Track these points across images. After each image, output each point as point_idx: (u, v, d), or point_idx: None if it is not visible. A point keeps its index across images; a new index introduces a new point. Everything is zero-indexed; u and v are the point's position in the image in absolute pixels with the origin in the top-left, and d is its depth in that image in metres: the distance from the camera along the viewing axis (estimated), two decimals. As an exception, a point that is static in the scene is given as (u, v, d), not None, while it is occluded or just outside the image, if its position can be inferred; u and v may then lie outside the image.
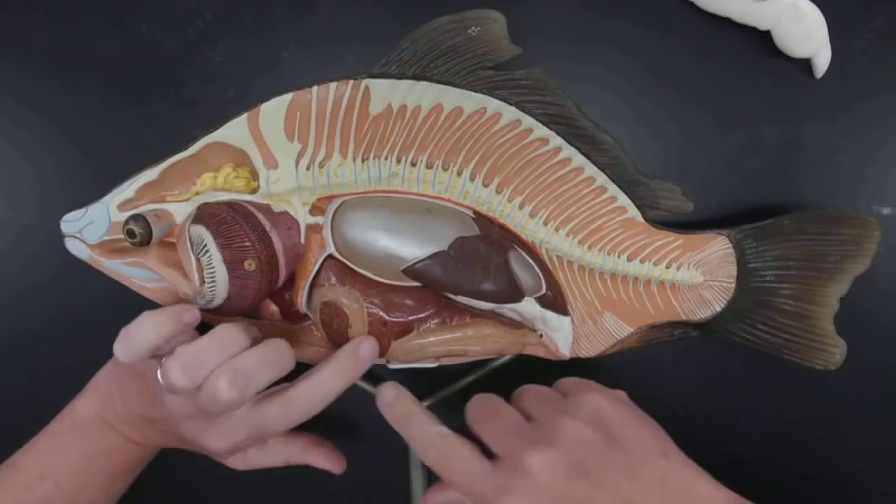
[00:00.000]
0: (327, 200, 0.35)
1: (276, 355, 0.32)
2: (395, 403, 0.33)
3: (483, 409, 0.32)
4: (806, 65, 0.37)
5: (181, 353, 0.31)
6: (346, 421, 0.40)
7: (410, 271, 0.34)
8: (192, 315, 0.32)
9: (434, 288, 0.35)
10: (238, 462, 0.37)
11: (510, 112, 0.34)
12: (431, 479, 0.41)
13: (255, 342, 0.33)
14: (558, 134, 0.34)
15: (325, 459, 0.39)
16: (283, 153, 0.35)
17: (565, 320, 0.36)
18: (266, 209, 0.35)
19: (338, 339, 0.36)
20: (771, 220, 0.36)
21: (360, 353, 0.34)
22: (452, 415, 0.41)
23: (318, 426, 0.40)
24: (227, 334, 0.32)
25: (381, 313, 0.35)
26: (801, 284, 0.36)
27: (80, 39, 0.38)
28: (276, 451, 0.38)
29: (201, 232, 0.34)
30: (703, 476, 0.30)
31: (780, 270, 0.36)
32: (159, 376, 0.31)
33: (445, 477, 0.30)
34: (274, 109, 0.34)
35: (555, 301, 0.36)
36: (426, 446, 0.31)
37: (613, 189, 0.35)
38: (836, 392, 0.40)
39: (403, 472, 0.41)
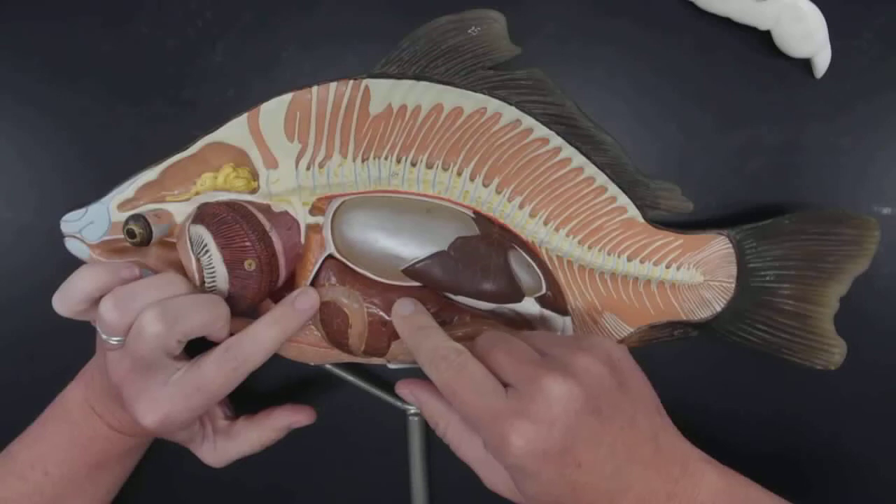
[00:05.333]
0: (327, 200, 0.35)
1: (210, 302, 0.32)
2: (411, 316, 0.33)
3: (494, 342, 0.30)
4: (806, 65, 0.37)
5: (117, 289, 0.31)
6: (346, 421, 0.40)
7: (410, 271, 0.34)
8: (131, 271, 0.32)
9: (434, 288, 0.35)
10: (210, 455, 0.36)
11: (510, 112, 0.34)
12: (431, 479, 0.41)
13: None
14: (558, 134, 0.34)
15: (291, 414, 0.37)
16: (283, 153, 0.35)
17: (565, 320, 0.36)
18: (266, 209, 0.35)
19: (338, 339, 0.36)
20: (771, 220, 0.36)
21: (298, 304, 0.34)
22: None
23: (319, 426, 0.40)
24: (165, 278, 0.32)
25: (381, 313, 0.35)
26: (801, 284, 0.36)
27: (80, 39, 0.38)
28: (245, 435, 0.37)
29: (201, 232, 0.34)
30: (684, 440, 0.31)
31: (780, 270, 0.36)
32: (97, 322, 0.31)
33: (454, 393, 0.29)
34: (274, 109, 0.34)
35: (555, 301, 0.36)
36: (437, 359, 0.30)
37: (613, 189, 0.35)
38: (836, 392, 0.40)
39: (403, 473, 0.41)
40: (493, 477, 0.32)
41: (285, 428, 0.37)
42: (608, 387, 0.29)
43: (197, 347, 0.33)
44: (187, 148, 0.35)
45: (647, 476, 0.29)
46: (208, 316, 0.32)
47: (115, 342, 0.32)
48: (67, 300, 0.32)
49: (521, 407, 0.27)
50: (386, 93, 0.34)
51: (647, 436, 0.29)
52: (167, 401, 0.32)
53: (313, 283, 0.36)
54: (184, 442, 0.36)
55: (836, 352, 0.36)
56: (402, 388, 0.34)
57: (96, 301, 0.32)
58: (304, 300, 0.34)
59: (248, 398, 0.39)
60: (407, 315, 0.33)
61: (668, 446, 0.30)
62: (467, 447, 0.32)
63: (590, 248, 0.36)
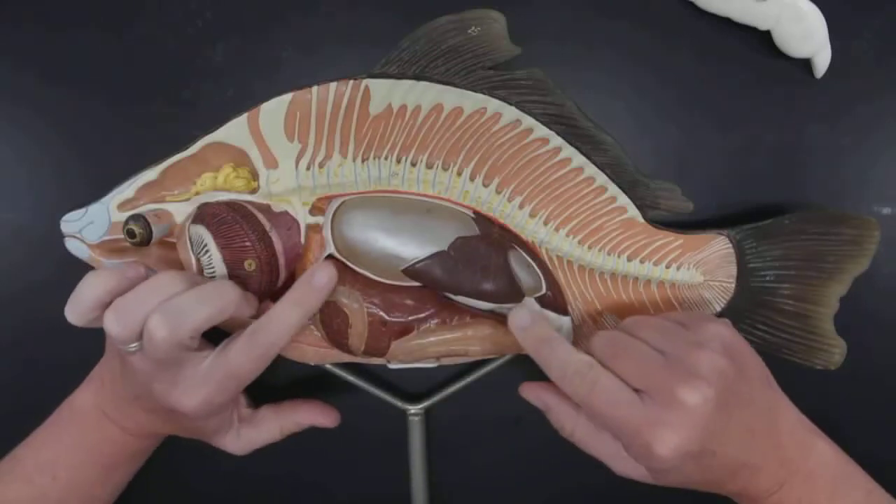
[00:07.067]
0: (327, 200, 0.35)
1: (215, 290, 0.32)
2: (531, 328, 0.33)
3: (614, 346, 0.31)
4: (806, 65, 0.37)
5: (116, 302, 0.31)
6: (346, 421, 0.40)
7: (410, 271, 0.34)
8: (137, 271, 0.32)
9: (434, 288, 0.35)
10: (234, 443, 0.37)
11: (510, 112, 0.34)
12: (432, 479, 0.41)
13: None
14: (558, 134, 0.34)
15: (317, 415, 0.38)
16: (283, 153, 0.35)
17: (565, 320, 0.36)
18: (266, 209, 0.35)
19: (338, 339, 0.36)
20: (771, 220, 0.36)
21: (316, 281, 0.34)
22: (453, 414, 0.41)
23: (318, 426, 0.40)
24: (163, 278, 0.32)
25: (381, 313, 0.35)
26: (801, 284, 0.36)
27: (80, 40, 0.38)
28: (268, 423, 0.37)
29: (201, 232, 0.34)
30: (794, 409, 0.33)
31: (780, 270, 0.36)
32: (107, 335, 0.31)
33: (591, 406, 0.30)
34: (274, 109, 0.34)
35: (555, 301, 0.36)
36: (570, 374, 0.31)
37: (613, 189, 0.35)
38: (836, 392, 0.40)
39: (404, 473, 0.41)
40: (625, 468, 0.33)
41: (308, 425, 0.38)
42: (731, 379, 0.30)
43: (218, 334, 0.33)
44: (187, 148, 0.35)
45: (763, 448, 0.31)
46: (213, 308, 0.31)
47: (133, 348, 0.31)
48: (79, 310, 0.32)
49: (660, 417, 0.29)
50: (386, 93, 0.34)
51: (763, 410, 0.31)
52: (202, 386, 0.32)
53: (313, 283, 0.36)
54: (213, 431, 0.36)
55: (836, 352, 0.36)
56: (528, 392, 0.36)
57: (107, 306, 0.31)
58: (321, 276, 0.34)
59: (247, 398, 0.39)
60: (527, 327, 0.33)
61: (780, 417, 0.32)
62: (598, 445, 0.34)
63: (590, 248, 0.36)
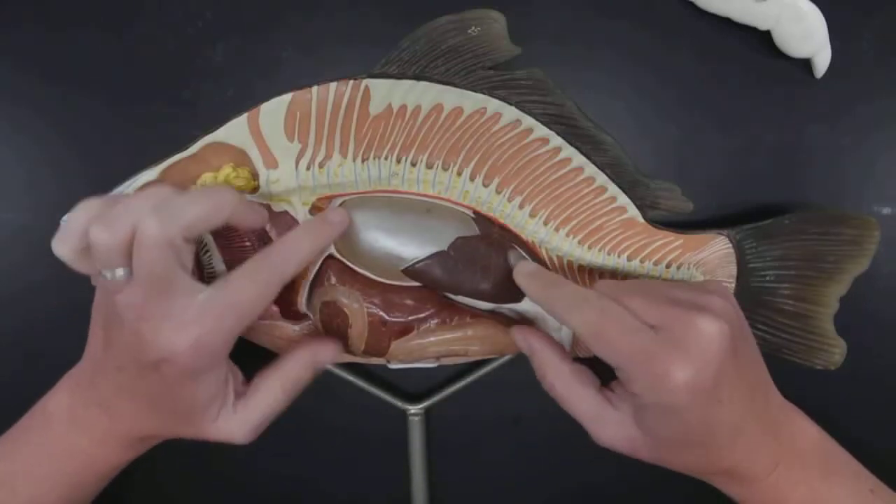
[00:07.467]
0: (327, 200, 0.35)
1: (209, 190, 0.30)
2: (537, 273, 0.33)
3: (621, 286, 0.30)
4: (806, 65, 0.37)
5: (104, 211, 0.29)
6: (346, 421, 0.40)
7: (410, 271, 0.34)
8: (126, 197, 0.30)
9: (434, 288, 0.35)
10: (232, 422, 0.32)
11: (510, 112, 0.34)
12: (432, 479, 0.41)
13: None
14: (558, 134, 0.34)
15: (314, 350, 0.34)
16: (283, 153, 0.35)
17: (565, 320, 0.36)
18: (266, 209, 0.35)
19: (338, 339, 0.36)
20: (771, 220, 0.36)
21: (330, 217, 0.33)
22: (453, 414, 0.41)
23: (318, 426, 0.40)
24: (154, 188, 0.30)
25: (381, 313, 0.35)
26: (801, 284, 0.36)
27: (80, 39, 0.38)
28: (267, 385, 0.32)
29: (201, 232, 0.34)
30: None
31: (780, 270, 0.36)
32: (94, 255, 0.29)
33: (599, 333, 0.29)
34: (274, 109, 0.34)
35: (555, 301, 0.36)
36: (579, 301, 0.29)
37: (613, 189, 0.35)
38: (836, 392, 0.40)
39: (404, 473, 0.41)
40: (605, 430, 0.31)
41: (310, 366, 0.33)
42: (741, 328, 0.30)
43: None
44: (187, 148, 0.35)
45: (762, 418, 0.30)
46: (208, 204, 0.29)
47: (120, 275, 0.29)
48: (66, 238, 0.29)
49: (676, 345, 0.28)
50: (386, 93, 0.34)
51: (761, 379, 0.31)
52: (195, 323, 0.28)
53: (313, 283, 0.36)
54: (206, 404, 0.31)
55: (836, 352, 0.36)
56: (517, 333, 0.33)
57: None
58: (335, 214, 0.34)
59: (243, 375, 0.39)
60: (533, 272, 0.32)
61: (771, 392, 0.32)
62: (578, 400, 0.31)
63: (590, 248, 0.36)
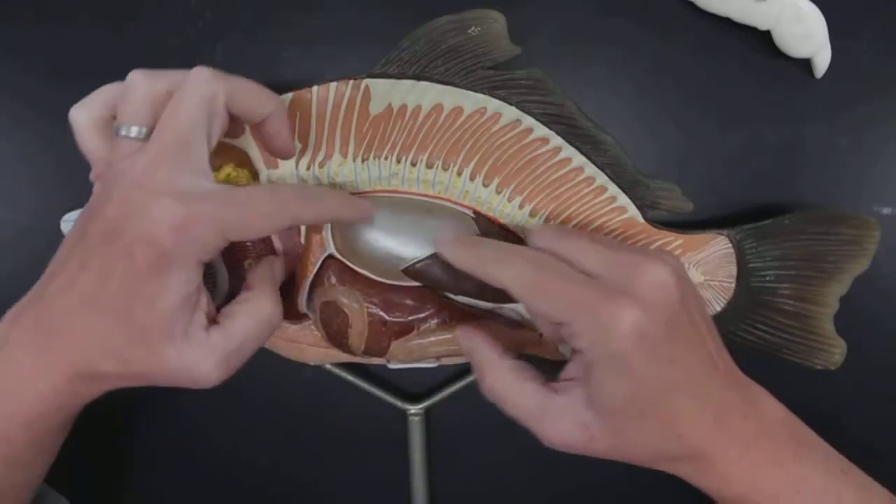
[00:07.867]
0: (327, 200, 0.35)
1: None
2: (456, 238, 0.30)
3: (561, 232, 0.29)
4: (806, 65, 0.37)
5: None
6: (346, 421, 0.40)
7: (410, 271, 0.34)
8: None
9: (434, 288, 0.35)
10: (205, 353, 0.27)
11: (510, 112, 0.34)
12: (432, 479, 0.41)
13: None
14: (558, 134, 0.34)
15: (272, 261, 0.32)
16: (283, 153, 0.35)
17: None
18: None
19: (338, 339, 0.36)
20: (771, 220, 0.36)
21: (361, 201, 0.32)
22: (453, 414, 0.41)
23: (318, 426, 0.40)
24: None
25: (381, 313, 0.35)
26: (801, 284, 0.36)
27: (80, 39, 0.38)
28: (237, 309, 0.29)
29: (201, 232, 0.34)
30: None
31: (780, 270, 0.36)
32: (119, 107, 0.27)
33: (536, 286, 0.27)
34: (274, 109, 0.34)
35: (555, 301, 0.36)
36: (514, 260, 0.27)
37: (613, 189, 0.35)
38: (836, 392, 0.40)
39: (404, 473, 0.41)
40: (553, 424, 0.28)
41: (270, 279, 0.31)
42: (692, 289, 0.28)
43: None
44: (187, 148, 0.35)
45: (726, 396, 0.28)
46: (271, 101, 0.28)
47: (136, 133, 0.26)
48: (90, 102, 0.28)
49: (622, 290, 0.26)
50: (386, 93, 0.34)
51: (721, 352, 0.29)
52: (194, 202, 0.25)
53: (313, 283, 0.36)
54: (169, 315, 0.26)
55: (836, 352, 0.36)
56: (462, 332, 0.32)
57: (113, 119, 0.27)
58: (365, 204, 0.33)
59: (246, 398, 0.39)
60: (452, 238, 0.30)
61: (735, 370, 0.30)
62: (519, 397, 0.29)
63: (590, 248, 0.36)
